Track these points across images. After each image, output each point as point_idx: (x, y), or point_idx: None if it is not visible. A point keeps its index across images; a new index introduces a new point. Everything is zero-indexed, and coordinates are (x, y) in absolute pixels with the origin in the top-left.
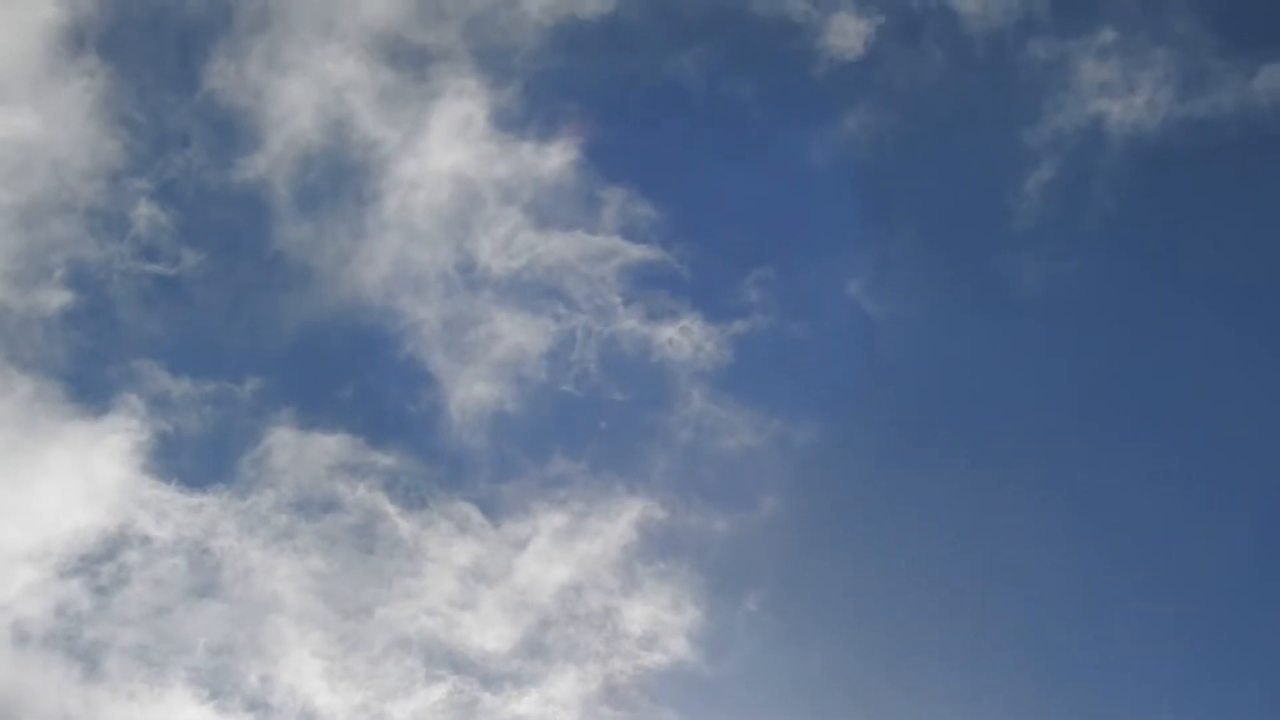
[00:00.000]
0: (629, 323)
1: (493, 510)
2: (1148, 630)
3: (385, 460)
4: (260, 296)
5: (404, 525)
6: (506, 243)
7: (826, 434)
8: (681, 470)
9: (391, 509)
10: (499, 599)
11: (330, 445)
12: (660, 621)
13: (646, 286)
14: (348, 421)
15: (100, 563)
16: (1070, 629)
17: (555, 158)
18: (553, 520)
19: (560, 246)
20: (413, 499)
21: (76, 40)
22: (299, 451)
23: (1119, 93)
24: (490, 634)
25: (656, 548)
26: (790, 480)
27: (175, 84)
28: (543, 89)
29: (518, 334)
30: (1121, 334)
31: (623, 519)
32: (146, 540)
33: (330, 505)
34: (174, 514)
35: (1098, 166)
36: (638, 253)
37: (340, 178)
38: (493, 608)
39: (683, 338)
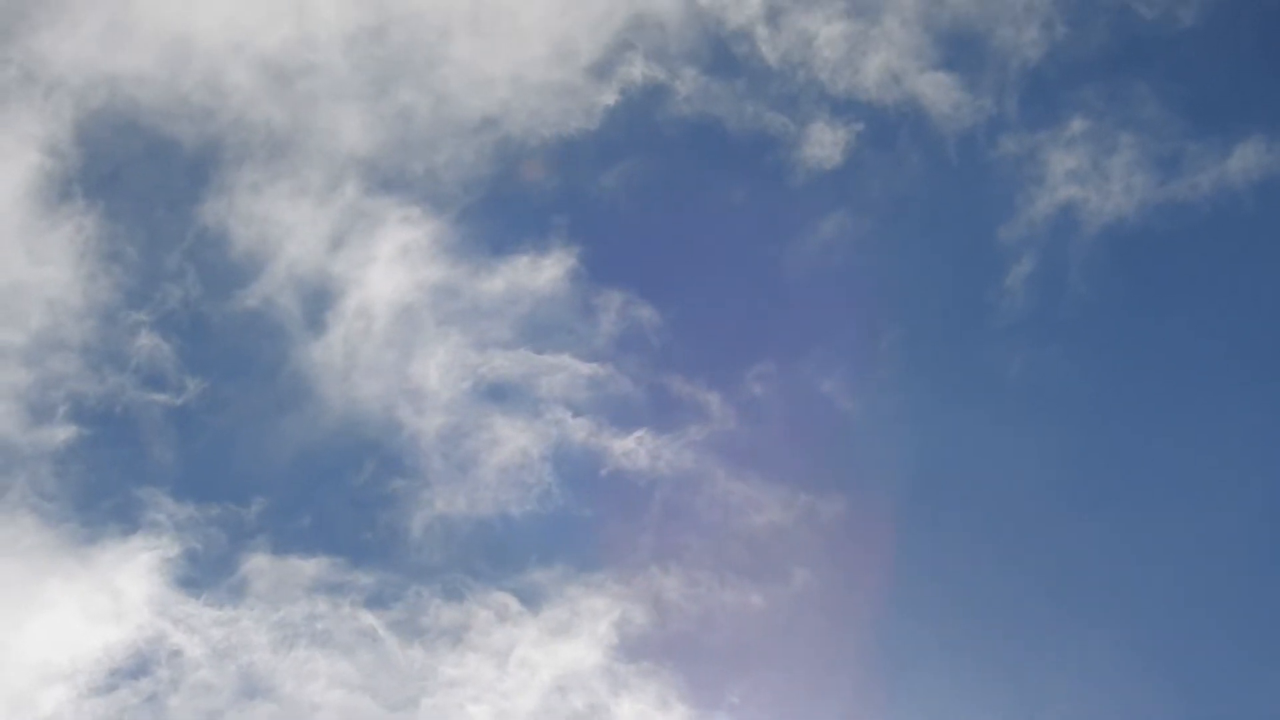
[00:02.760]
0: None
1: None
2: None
3: (366, 579)
4: (265, 419)
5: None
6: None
7: (827, 522)
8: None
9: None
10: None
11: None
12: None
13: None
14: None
15: (136, 678)
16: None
17: (548, 271)
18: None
19: (552, 362)
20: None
21: (64, 184)
22: (287, 573)
23: (1094, 180)
24: None
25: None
26: (809, 557)
27: (164, 220)
28: (529, 205)
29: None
30: (1110, 417)
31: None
32: (179, 653)
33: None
34: (205, 628)
35: (1076, 255)
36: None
37: (332, 300)
38: None
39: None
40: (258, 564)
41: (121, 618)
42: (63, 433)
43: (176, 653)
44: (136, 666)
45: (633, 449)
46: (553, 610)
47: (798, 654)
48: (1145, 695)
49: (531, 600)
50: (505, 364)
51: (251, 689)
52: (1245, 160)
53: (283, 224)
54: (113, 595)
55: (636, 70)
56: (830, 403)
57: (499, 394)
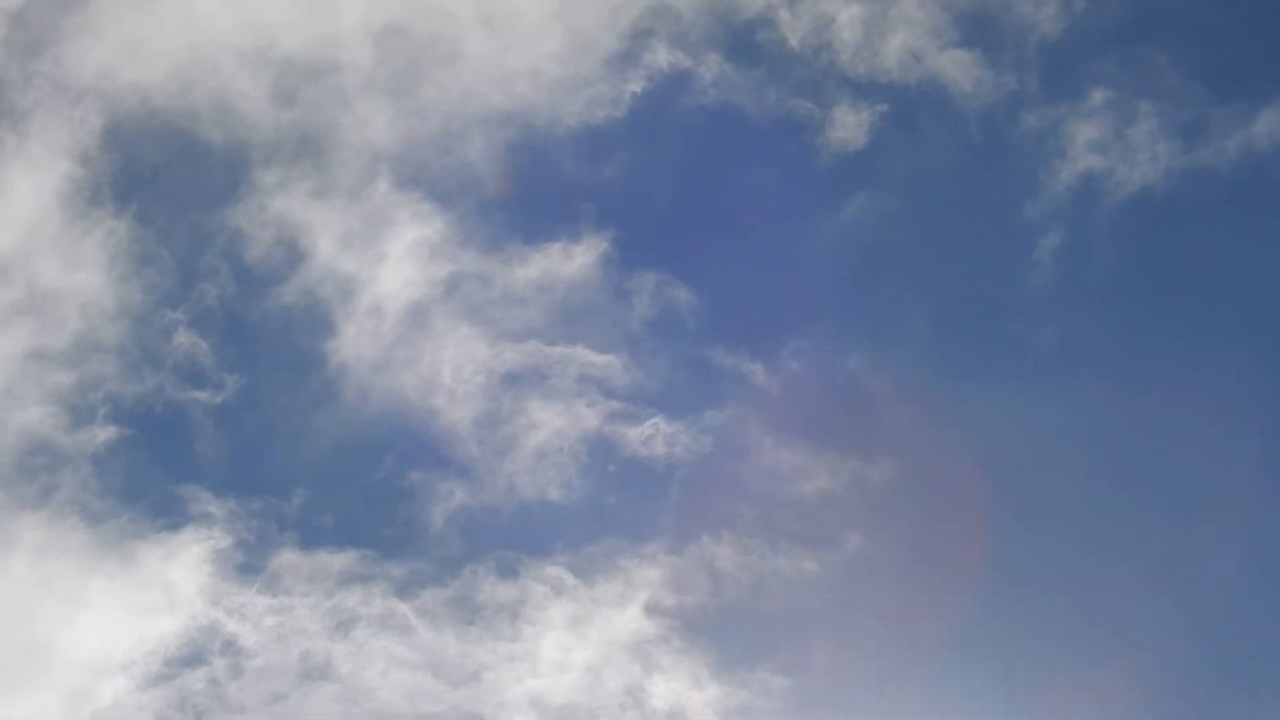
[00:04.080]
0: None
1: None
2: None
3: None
4: (302, 413)
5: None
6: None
7: (875, 487)
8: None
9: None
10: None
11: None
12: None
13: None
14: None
15: (193, 666)
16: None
17: (579, 258)
18: None
19: (587, 346)
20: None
21: (94, 191)
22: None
23: (1118, 150)
24: None
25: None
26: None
27: (196, 222)
28: (558, 193)
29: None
30: (1142, 385)
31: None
32: (235, 641)
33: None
34: (260, 616)
35: (1103, 225)
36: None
37: (364, 294)
38: None
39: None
40: (303, 554)
41: (174, 609)
42: (103, 433)
43: (232, 641)
44: (192, 655)
45: (672, 427)
46: (608, 583)
47: (852, 617)
48: (1190, 659)
49: (585, 573)
50: (539, 350)
51: (312, 672)
52: (1272, 124)
53: (313, 221)
54: (164, 588)
55: (661, 58)
56: (867, 375)
57: (534, 380)
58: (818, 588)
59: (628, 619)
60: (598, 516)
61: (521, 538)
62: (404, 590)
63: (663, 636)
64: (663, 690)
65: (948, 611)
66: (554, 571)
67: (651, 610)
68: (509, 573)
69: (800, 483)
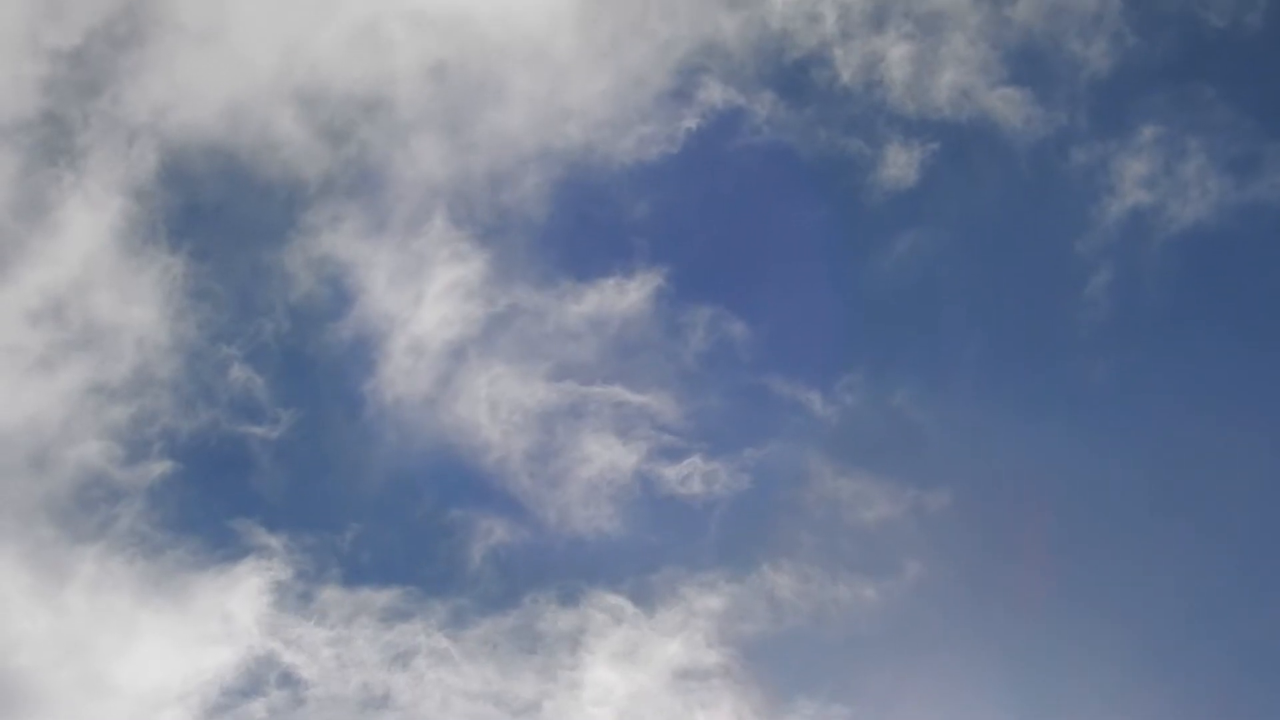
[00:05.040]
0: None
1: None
2: None
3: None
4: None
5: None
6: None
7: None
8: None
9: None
10: None
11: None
12: None
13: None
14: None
15: (255, 696)
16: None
17: (634, 293)
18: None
19: (635, 386)
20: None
21: (150, 227)
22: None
23: (1169, 186)
24: None
25: None
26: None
27: (251, 258)
28: (617, 229)
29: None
30: (1195, 423)
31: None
32: (292, 673)
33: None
34: (318, 647)
35: (1155, 262)
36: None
37: (418, 330)
38: None
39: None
40: (355, 588)
41: (231, 640)
42: (159, 467)
43: (290, 672)
44: (250, 685)
45: (723, 459)
46: (667, 611)
47: (912, 645)
48: (1250, 691)
49: (645, 602)
50: (592, 385)
51: (374, 702)
52: None
53: (366, 257)
54: (221, 620)
55: (715, 94)
56: (919, 409)
57: (587, 414)
58: (877, 616)
59: (689, 647)
60: (654, 548)
61: (581, 567)
62: (463, 619)
63: (723, 665)
64: (723, 719)
65: (1007, 638)
66: (614, 600)
67: (712, 639)
68: (569, 601)
69: (860, 510)
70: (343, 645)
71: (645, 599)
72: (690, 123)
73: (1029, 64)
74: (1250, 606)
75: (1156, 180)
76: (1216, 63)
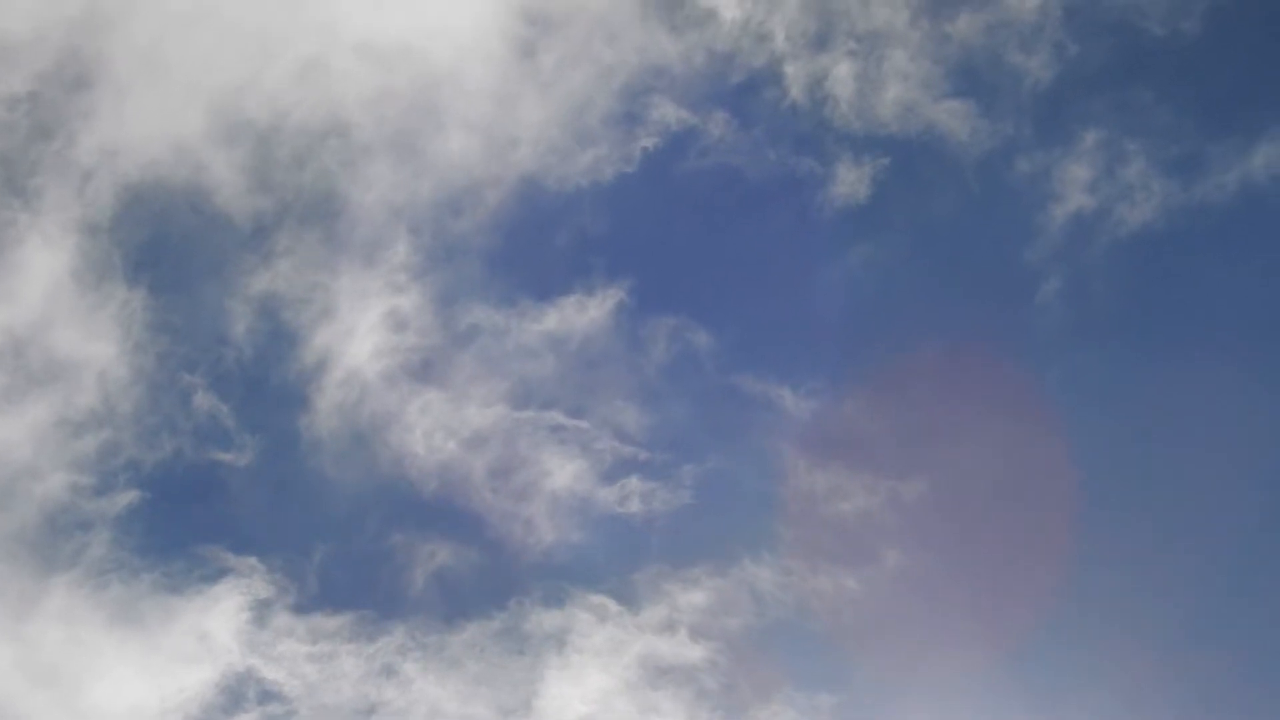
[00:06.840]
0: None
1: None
2: None
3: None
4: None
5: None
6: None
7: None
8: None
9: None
10: None
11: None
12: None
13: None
14: None
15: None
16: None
17: (594, 310)
18: None
19: (604, 391)
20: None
21: (106, 265)
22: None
23: (1114, 190)
24: None
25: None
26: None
27: (210, 289)
28: (577, 248)
29: None
30: (1153, 420)
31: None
32: (275, 689)
33: None
34: (300, 663)
35: (1104, 265)
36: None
37: (378, 355)
38: None
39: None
40: (332, 609)
41: (211, 659)
42: (125, 497)
43: (271, 691)
44: (230, 703)
45: (696, 464)
46: (652, 608)
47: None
48: (1226, 668)
49: (629, 600)
50: (557, 399)
51: (366, 708)
52: (1269, 157)
53: (323, 284)
54: (199, 639)
55: (669, 114)
56: (886, 410)
57: (553, 428)
58: (859, 605)
59: (674, 642)
60: (634, 549)
61: (564, 569)
62: (450, 623)
63: (708, 658)
64: (710, 711)
65: (988, 622)
66: (598, 599)
67: (696, 633)
68: (554, 602)
69: (837, 503)
70: (324, 661)
71: (629, 597)
72: (646, 142)
73: (971, 77)
74: (1211, 584)
75: (1100, 185)
76: (1155, 68)
